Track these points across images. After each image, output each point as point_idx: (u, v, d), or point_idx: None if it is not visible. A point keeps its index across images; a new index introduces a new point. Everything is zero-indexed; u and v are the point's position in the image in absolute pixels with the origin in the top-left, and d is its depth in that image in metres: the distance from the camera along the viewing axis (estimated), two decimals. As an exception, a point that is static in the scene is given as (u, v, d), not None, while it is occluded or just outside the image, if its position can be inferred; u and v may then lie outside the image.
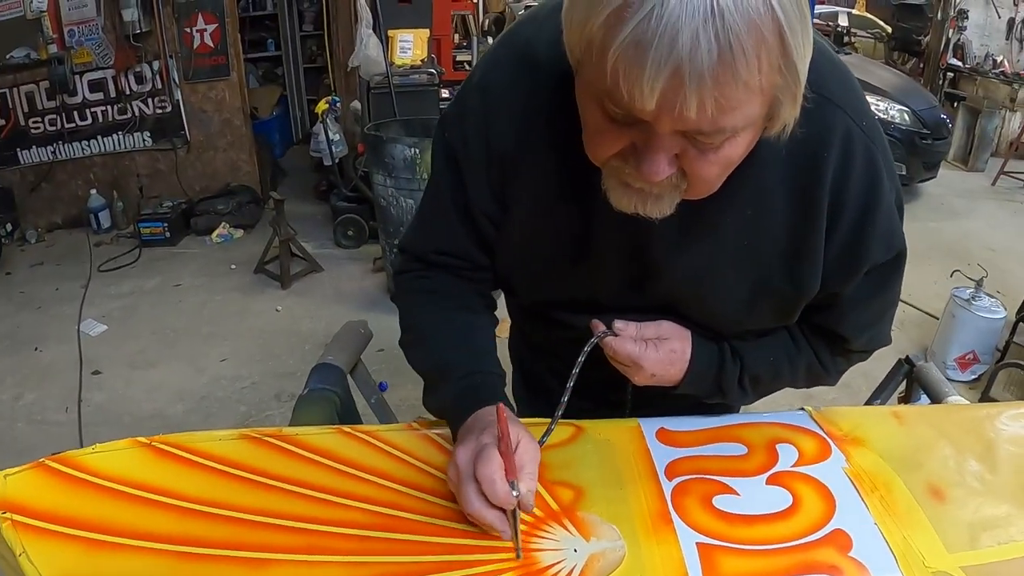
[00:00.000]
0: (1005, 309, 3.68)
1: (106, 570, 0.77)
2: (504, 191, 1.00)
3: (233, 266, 4.95)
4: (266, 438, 0.99)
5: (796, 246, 0.95)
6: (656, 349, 1.01)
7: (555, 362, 1.11)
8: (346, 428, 1.05)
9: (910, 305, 4.34)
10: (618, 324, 1.00)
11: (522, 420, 1.00)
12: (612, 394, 1.18)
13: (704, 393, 1.08)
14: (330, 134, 5.14)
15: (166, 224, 5.27)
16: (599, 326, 1.00)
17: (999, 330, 3.66)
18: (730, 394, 1.08)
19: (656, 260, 0.98)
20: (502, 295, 1.19)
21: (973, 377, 3.69)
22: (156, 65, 5.46)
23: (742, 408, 1.25)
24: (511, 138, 0.96)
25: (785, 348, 1.09)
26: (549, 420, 1.01)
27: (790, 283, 0.98)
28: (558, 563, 0.85)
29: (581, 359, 0.98)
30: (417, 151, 3.71)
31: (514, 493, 0.84)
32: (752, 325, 1.05)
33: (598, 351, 1.00)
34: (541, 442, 0.96)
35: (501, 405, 0.88)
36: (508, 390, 1.11)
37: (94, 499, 0.85)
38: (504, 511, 0.86)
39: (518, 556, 0.86)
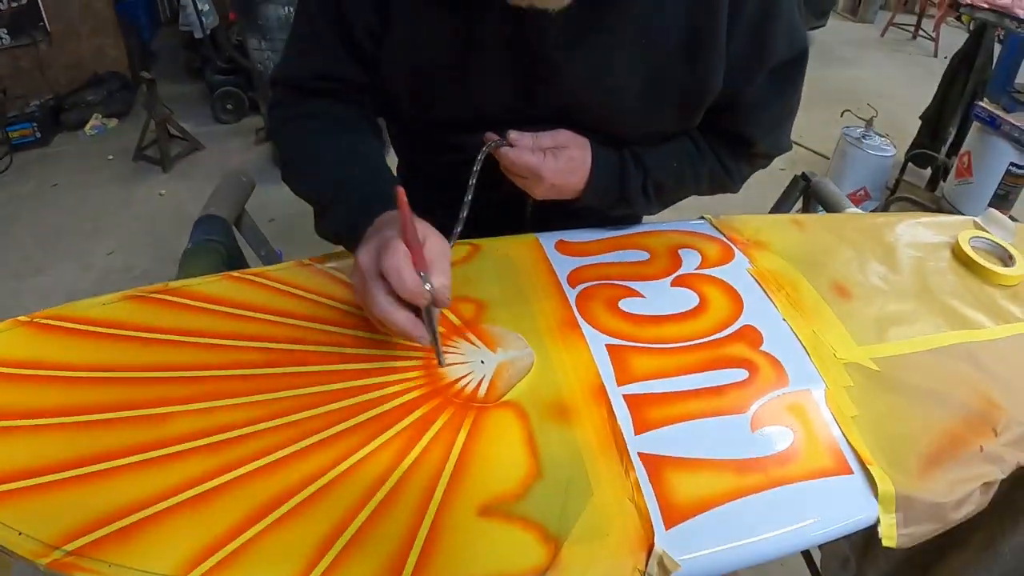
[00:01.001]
0: (895, 148, 3.77)
1: (1, 456, 0.69)
2: (382, 4, 0.93)
3: (111, 157, 4.68)
4: (152, 295, 0.91)
5: (697, 38, 0.92)
6: (555, 158, 0.96)
7: (448, 194, 1.01)
8: (235, 273, 0.97)
9: (801, 146, 4.43)
10: (513, 135, 0.95)
11: None
12: (511, 216, 1.13)
13: (607, 203, 1.04)
14: (199, 4, 4.85)
15: (35, 124, 4.90)
16: (492, 137, 0.95)
17: (889, 168, 3.75)
18: (634, 202, 1.05)
19: (548, 62, 0.92)
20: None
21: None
22: (5, -46, 4.98)
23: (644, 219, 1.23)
24: None
25: (688, 153, 1.06)
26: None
27: (691, 77, 0.94)
28: (466, 376, 0.82)
29: (476, 167, 0.94)
30: (291, 8, 3.55)
31: (426, 286, 0.74)
32: (652, 127, 1.01)
33: (494, 169, 0.95)
34: (450, 242, 0.88)
35: (400, 188, 0.74)
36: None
37: None
38: (417, 311, 0.77)
39: (440, 363, 0.82)
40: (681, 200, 1.15)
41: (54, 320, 0.86)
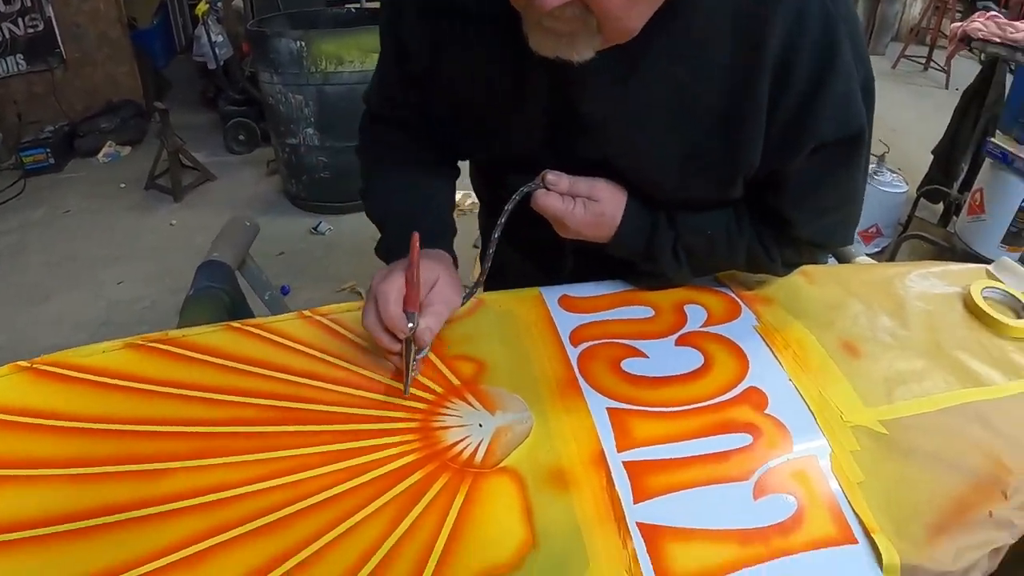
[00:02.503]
0: (907, 184, 3.75)
1: None
2: (439, 41, 0.96)
3: (123, 185, 4.71)
4: (152, 344, 0.91)
5: (735, 109, 0.87)
6: (584, 209, 0.96)
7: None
8: (235, 324, 0.97)
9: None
10: (550, 177, 0.95)
11: None
12: (552, 254, 1.14)
13: (635, 256, 1.03)
14: (212, 36, 4.91)
15: (49, 150, 4.96)
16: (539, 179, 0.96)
17: (901, 204, 3.73)
18: (662, 260, 1.02)
19: (585, 114, 0.91)
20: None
21: (876, 250, 3.78)
22: (24, -20, 5.04)
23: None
24: None
25: (726, 224, 1.02)
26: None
27: (726, 149, 0.91)
28: (463, 440, 0.81)
29: (509, 207, 0.95)
30: (303, 44, 3.58)
31: (409, 325, 0.84)
32: (689, 193, 0.98)
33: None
34: (476, 285, 0.98)
35: (415, 234, 0.85)
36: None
37: None
38: (400, 343, 0.86)
39: (405, 392, 0.86)
40: (718, 272, 1.13)
41: (53, 367, 0.86)
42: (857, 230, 3.47)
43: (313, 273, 3.48)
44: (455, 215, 1.09)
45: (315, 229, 4.01)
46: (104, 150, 5.12)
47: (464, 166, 1.20)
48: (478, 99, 0.98)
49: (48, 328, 3.30)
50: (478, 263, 1.36)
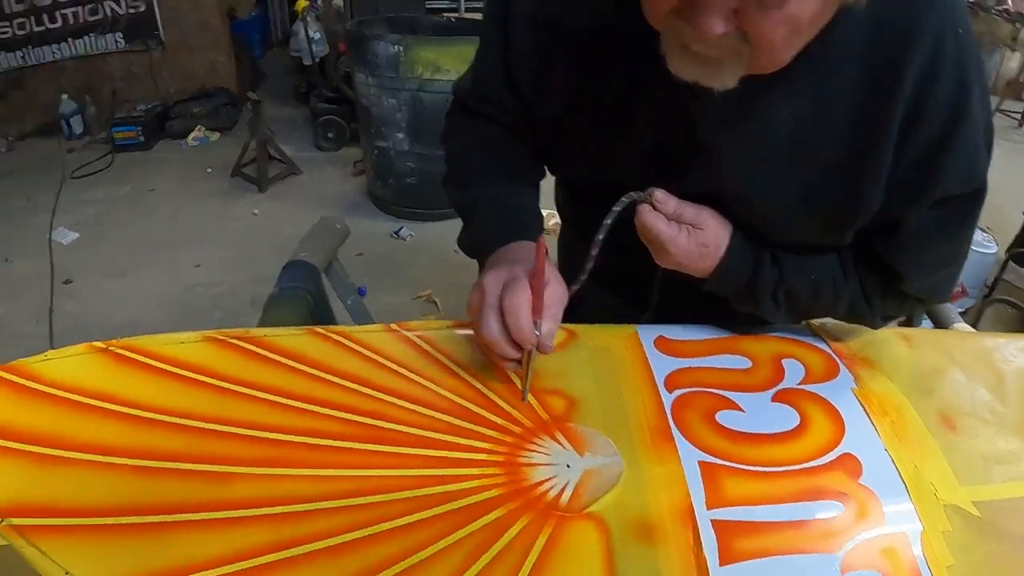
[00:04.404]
0: (997, 245, 3.63)
1: (58, 486, 0.69)
2: (550, 49, 0.94)
3: (209, 170, 4.83)
4: (232, 340, 0.90)
5: (859, 154, 0.85)
6: (689, 237, 0.92)
7: (589, 245, 1.02)
8: (319, 329, 0.96)
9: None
10: (658, 194, 0.90)
11: None
12: (640, 287, 1.11)
13: (734, 295, 0.99)
14: (310, 32, 5.01)
15: (140, 128, 5.13)
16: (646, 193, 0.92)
17: (990, 265, 3.62)
18: (762, 302, 0.98)
19: (701, 142, 0.89)
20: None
21: (961, 311, 3.65)
22: (127, -38, 5.20)
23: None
24: None
25: (832, 271, 0.98)
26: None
27: (846, 193, 0.87)
28: (550, 479, 0.78)
29: (615, 208, 0.90)
30: (400, 48, 3.61)
31: (536, 332, 0.83)
32: (800, 236, 0.95)
33: (630, 229, 0.92)
34: (571, 290, 0.92)
35: (542, 238, 0.86)
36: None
37: (46, 410, 0.76)
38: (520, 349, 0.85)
39: (524, 399, 0.87)
40: (814, 318, 1.09)
41: (130, 352, 0.85)
42: (945, 289, 3.32)
43: (391, 278, 3.50)
44: (548, 234, 1.07)
45: (396, 234, 4.03)
46: (194, 134, 5.26)
47: (548, 186, 1.18)
48: (583, 115, 0.96)
49: (123, 302, 3.39)
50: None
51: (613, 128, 0.94)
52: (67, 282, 3.55)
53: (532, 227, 1.00)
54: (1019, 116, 7.25)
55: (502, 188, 1.05)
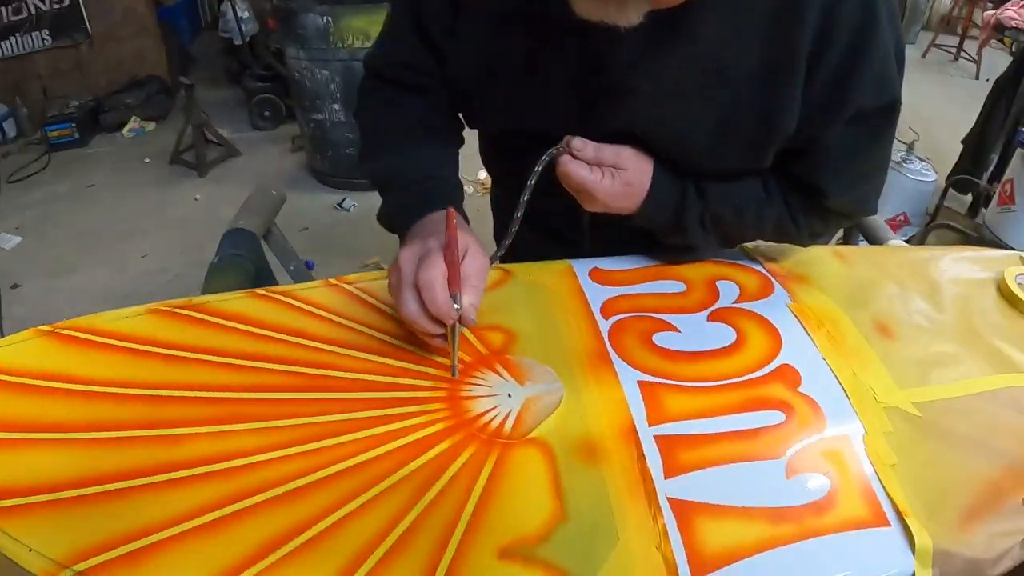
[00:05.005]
0: (936, 173, 3.71)
1: (15, 468, 0.68)
2: (456, 5, 0.94)
3: (147, 159, 4.74)
4: (176, 309, 0.90)
5: (773, 75, 0.86)
6: (612, 179, 0.93)
7: (517, 197, 1.02)
8: (259, 291, 0.95)
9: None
10: (575, 143, 0.91)
11: None
12: (569, 228, 1.11)
13: (662, 227, 1.01)
14: (238, 11, 4.93)
15: (74, 124, 4.98)
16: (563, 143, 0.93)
17: (930, 193, 3.69)
18: (689, 231, 1.00)
19: (614, 80, 0.89)
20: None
21: (904, 239, 3.72)
22: (47, -44, 5.05)
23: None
24: None
25: (755, 194, 1.00)
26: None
27: (762, 116, 0.89)
28: (492, 410, 0.80)
29: (537, 168, 0.91)
30: (330, 19, 3.57)
31: (456, 306, 0.79)
32: (720, 162, 0.96)
33: (555, 174, 0.93)
34: (493, 258, 0.92)
35: (451, 209, 0.84)
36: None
37: None
38: (444, 327, 0.82)
39: (454, 374, 0.84)
40: (744, 242, 1.11)
41: (75, 331, 0.84)
42: (885, 218, 3.42)
43: (338, 249, 3.48)
44: (479, 193, 1.07)
45: (340, 205, 4.01)
46: (129, 125, 5.15)
47: (472, 143, 1.17)
48: (497, 65, 0.96)
49: (72, 300, 3.33)
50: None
51: (526, 77, 0.94)
52: (15, 287, 3.47)
53: (448, 196, 0.97)
54: (954, 50, 7.36)
55: (417, 159, 1.02)
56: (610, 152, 0.93)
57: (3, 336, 2.86)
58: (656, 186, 0.96)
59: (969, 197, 3.99)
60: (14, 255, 3.78)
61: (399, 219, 0.98)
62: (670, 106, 0.90)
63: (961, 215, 3.77)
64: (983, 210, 3.66)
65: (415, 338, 0.86)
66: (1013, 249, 2.90)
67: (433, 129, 1.06)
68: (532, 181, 0.91)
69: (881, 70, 0.87)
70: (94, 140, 5.11)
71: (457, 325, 0.81)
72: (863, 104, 0.88)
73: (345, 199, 4.06)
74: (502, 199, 1.30)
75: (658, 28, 0.78)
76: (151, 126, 5.24)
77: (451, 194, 0.99)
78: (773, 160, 0.96)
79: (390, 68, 1.06)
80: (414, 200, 0.96)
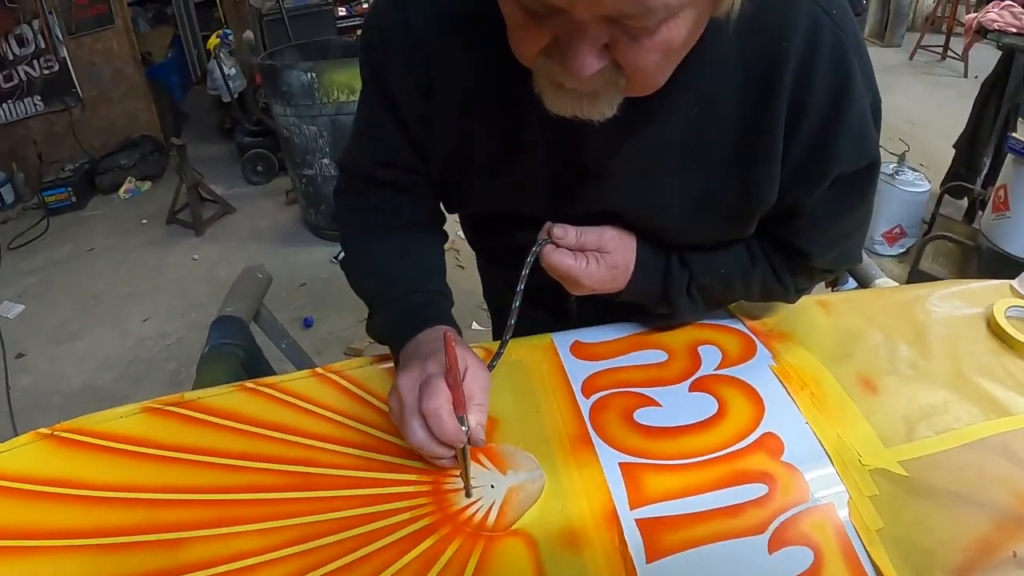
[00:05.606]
0: (929, 182, 3.70)
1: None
2: (430, 86, 0.91)
3: (144, 220, 4.78)
4: (168, 408, 0.93)
5: (750, 150, 0.85)
6: (597, 264, 0.92)
7: (503, 274, 1.03)
8: (249, 384, 0.98)
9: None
10: (556, 231, 0.90)
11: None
12: (556, 300, 1.09)
13: (649, 301, 1.01)
14: (225, 69, 4.97)
15: (71, 188, 5.04)
16: (543, 236, 0.92)
17: (924, 203, 3.69)
18: (677, 303, 1.00)
19: (590, 166, 0.89)
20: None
21: (901, 251, 3.74)
22: (36, 24, 5.10)
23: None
24: (433, 29, 0.87)
25: (739, 260, 1.00)
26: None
27: (741, 189, 0.88)
28: (476, 502, 0.81)
29: (525, 271, 0.91)
30: (314, 75, 3.59)
31: (464, 428, 0.78)
32: (701, 236, 0.95)
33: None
34: (490, 367, 0.91)
35: (448, 332, 0.82)
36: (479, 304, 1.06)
37: (2, 504, 0.79)
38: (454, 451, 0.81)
39: (468, 495, 0.82)
40: (730, 304, 1.11)
41: (74, 434, 0.87)
42: (881, 232, 3.42)
43: (336, 303, 3.50)
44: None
45: (336, 258, 4.02)
46: (125, 186, 5.19)
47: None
48: (470, 152, 0.94)
49: (77, 367, 3.35)
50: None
51: (502, 166, 0.93)
52: (19, 356, 3.49)
53: (438, 311, 0.96)
54: (940, 50, 7.38)
55: (406, 273, 0.99)
56: (593, 236, 0.92)
57: (10, 406, 2.88)
58: (641, 264, 0.96)
59: (965, 202, 3.99)
60: (18, 323, 3.80)
61: (389, 337, 0.97)
62: (648, 185, 0.89)
63: (957, 222, 3.76)
64: (979, 215, 3.65)
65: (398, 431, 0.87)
66: (1011, 257, 2.90)
67: (420, 232, 1.05)
68: (521, 287, 0.91)
69: (859, 130, 0.85)
70: (91, 203, 5.17)
71: (467, 447, 0.81)
72: (843, 169, 0.87)
73: (340, 252, 4.03)
74: (486, 269, 1.32)
75: (631, 111, 0.76)
76: (147, 186, 5.29)
77: (439, 305, 0.98)
78: (756, 227, 0.95)
79: (374, 168, 1.02)
80: (404, 317, 0.95)
